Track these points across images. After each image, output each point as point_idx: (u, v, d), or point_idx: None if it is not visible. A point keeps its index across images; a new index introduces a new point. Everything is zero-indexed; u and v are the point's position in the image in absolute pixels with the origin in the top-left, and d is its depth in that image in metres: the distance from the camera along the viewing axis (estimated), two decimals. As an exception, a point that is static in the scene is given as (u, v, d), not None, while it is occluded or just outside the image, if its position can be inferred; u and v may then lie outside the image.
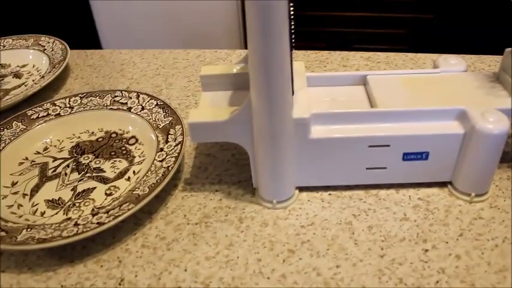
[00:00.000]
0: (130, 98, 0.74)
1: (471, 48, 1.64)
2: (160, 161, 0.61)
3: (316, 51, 0.88)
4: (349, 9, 1.62)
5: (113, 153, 0.67)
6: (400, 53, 0.88)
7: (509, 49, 0.59)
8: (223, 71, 0.62)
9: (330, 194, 0.59)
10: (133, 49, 0.96)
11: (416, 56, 0.87)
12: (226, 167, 0.64)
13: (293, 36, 0.55)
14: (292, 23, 0.53)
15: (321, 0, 1.60)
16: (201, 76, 0.62)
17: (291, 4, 0.52)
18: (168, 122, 0.68)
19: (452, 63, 0.64)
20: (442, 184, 0.60)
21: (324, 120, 0.55)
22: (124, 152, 0.68)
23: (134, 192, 0.57)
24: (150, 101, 0.72)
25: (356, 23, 1.64)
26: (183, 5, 1.65)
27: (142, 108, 0.72)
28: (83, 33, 1.66)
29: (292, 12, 0.53)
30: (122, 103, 0.73)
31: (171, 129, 0.66)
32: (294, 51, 0.76)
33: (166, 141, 0.65)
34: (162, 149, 0.64)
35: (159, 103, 0.71)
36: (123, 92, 0.75)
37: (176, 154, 0.61)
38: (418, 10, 1.59)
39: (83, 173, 0.64)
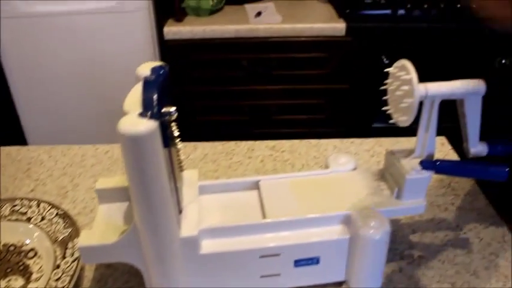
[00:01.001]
0: (31, 207, 0.72)
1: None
2: (55, 280, 0.60)
3: (223, 143, 0.90)
4: (269, 83, 1.67)
5: (9, 270, 0.65)
6: (304, 140, 0.91)
7: (390, 151, 0.63)
8: (118, 184, 0.62)
9: (227, 304, 0.59)
10: (41, 145, 0.95)
11: (319, 143, 0.91)
12: (127, 279, 0.64)
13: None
14: (175, 129, 0.54)
15: (241, 76, 1.65)
16: (96, 190, 0.62)
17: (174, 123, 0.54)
18: (67, 234, 0.67)
19: (341, 162, 0.67)
20: (337, 283, 0.62)
21: (214, 235, 0.56)
22: (21, 268, 0.65)
23: (25, 319, 0.56)
24: (51, 210, 0.71)
25: (276, 96, 1.70)
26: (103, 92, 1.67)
27: (42, 219, 0.70)
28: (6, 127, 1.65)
29: (175, 129, 0.54)
30: (21, 213, 0.72)
31: (69, 243, 0.65)
32: (200, 143, 0.78)
33: (64, 257, 0.63)
34: (58, 266, 0.62)
35: (59, 212, 0.70)
36: (23, 200, 0.74)
37: (72, 273, 0.60)
38: (334, 81, 1.67)
39: (-27, 297, 0.62)
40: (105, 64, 1.62)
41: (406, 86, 0.54)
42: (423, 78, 0.55)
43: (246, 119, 1.74)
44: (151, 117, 0.45)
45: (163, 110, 0.50)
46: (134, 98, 0.49)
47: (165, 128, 0.49)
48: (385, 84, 0.59)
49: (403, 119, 0.56)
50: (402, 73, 0.55)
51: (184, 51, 1.63)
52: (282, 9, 1.71)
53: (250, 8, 1.73)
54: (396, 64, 0.56)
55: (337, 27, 1.59)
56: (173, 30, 1.59)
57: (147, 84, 0.48)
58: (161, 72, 0.53)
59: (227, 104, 1.72)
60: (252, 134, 1.56)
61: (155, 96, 0.47)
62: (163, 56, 1.64)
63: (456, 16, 1.61)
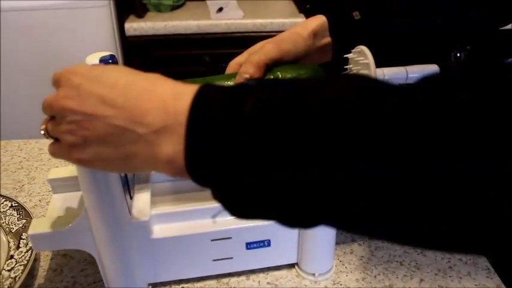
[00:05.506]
0: (-15, 200, 0.72)
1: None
2: (8, 271, 0.60)
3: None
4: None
5: (-38, 263, 0.65)
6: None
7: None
8: (71, 173, 0.63)
9: (182, 288, 0.61)
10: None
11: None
12: (83, 267, 0.64)
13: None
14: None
15: (203, 72, 1.66)
16: (48, 180, 0.62)
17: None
18: (21, 226, 0.67)
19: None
20: (290, 265, 0.63)
21: (165, 219, 0.57)
22: (-25, 260, 0.65)
23: (-23, 308, 0.56)
24: (5, 203, 0.71)
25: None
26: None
27: (-4, 211, 0.70)
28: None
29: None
30: (-25, 206, 0.71)
31: (23, 233, 0.65)
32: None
33: (18, 247, 0.64)
34: (12, 256, 0.62)
35: (13, 204, 0.70)
36: (-23, 194, 0.73)
37: (25, 262, 0.60)
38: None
39: None
40: (66, 61, 1.60)
41: (365, 70, 0.56)
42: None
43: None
44: (97, 102, 0.46)
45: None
46: (82, 85, 0.50)
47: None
48: (346, 69, 0.61)
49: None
50: (361, 58, 0.57)
51: (146, 48, 1.63)
52: (244, 5, 1.73)
53: (212, 4, 1.74)
54: (355, 50, 0.58)
55: (298, 22, 1.61)
56: (134, 27, 1.59)
57: (94, 71, 0.48)
58: (110, 62, 0.54)
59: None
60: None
61: (101, 83, 0.47)
62: (125, 53, 1.64)
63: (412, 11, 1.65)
